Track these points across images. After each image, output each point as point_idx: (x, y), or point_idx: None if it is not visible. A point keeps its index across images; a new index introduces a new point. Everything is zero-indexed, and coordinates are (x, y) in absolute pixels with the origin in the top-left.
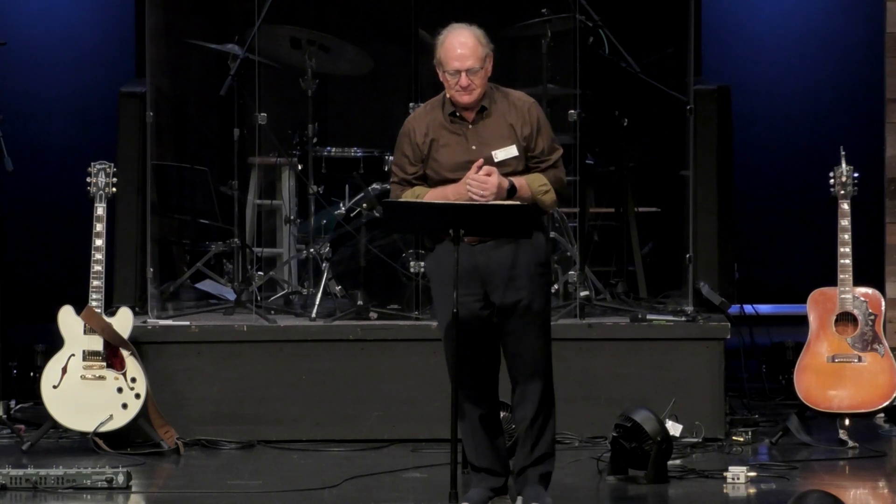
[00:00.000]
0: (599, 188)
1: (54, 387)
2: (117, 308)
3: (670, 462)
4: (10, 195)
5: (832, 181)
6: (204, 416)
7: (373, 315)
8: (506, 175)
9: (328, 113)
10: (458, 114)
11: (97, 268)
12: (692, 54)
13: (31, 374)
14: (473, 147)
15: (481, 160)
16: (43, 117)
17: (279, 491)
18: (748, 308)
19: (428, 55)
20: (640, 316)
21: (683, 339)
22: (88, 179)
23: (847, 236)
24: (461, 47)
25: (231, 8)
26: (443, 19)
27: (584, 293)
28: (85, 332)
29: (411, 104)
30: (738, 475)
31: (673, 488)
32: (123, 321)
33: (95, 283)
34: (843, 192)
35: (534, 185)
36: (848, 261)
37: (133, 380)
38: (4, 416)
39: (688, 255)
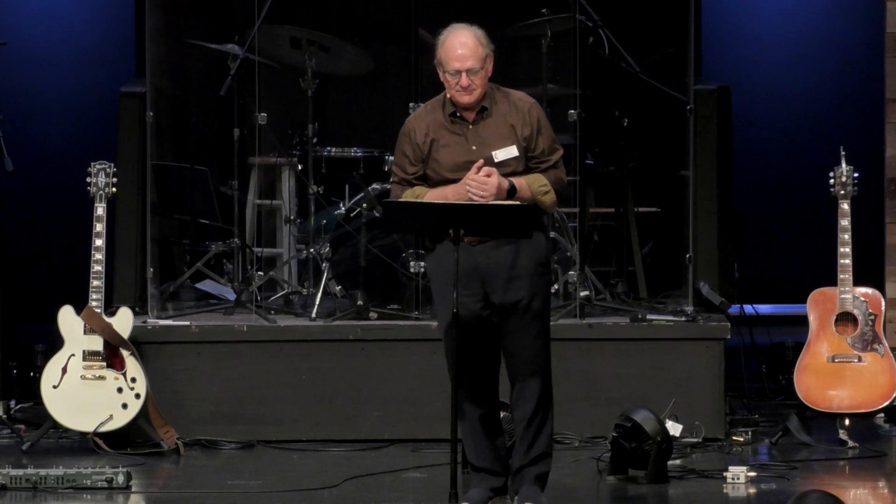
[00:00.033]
0: (599, 188)
1: (54, 387)
2: (117, 308)
3: (670, 462)
4: (10, 195)
5: (832, 181)
6: (204, 416)
7: (373, 315)
8: (506, 175)
9: (328, 113)
10: (458, 114)
11: (97, 268)
12: (692, 54)
13: (31, 374)
14: (474, 147)
15: (481, 161)
16: (43, 117)
17: (279, 491)
18: (748, 308)
19: (428, 55)
20: (640, 316)
21: (683, 339)
22: (88, 179)
23: (847, 236)
24: (462, 47)
25: (231, 8)
26: (443, 19)
27: (584, 293)
28: (85, 332)
29: (411, 104)
30: (738, 475)
31: (673, 488)
32: (123, 321)
33: (95, 283)
34: (843, 192)
35: (534, 185)
36: (848, 261)
37: (133, 380)
38: (4, 416)
39: (688, 255)
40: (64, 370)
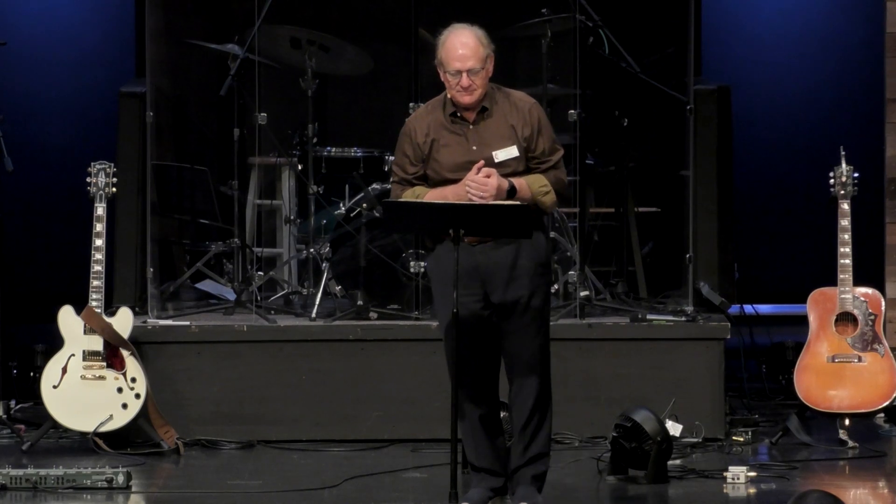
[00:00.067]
0: (599, 188)
1: (54, 387)
2: (117, 308)
3: (670, 462)
4: (10, 195)
5: (832, 181)
6: (204, 416)
7: (373, 315)
8: (506, 176)
9: (328, 113)
10: (458, 114)
11: (97, 268)
12: (692, 54)
13: (31, 374)
14: (474, 147)
15: (481, 162)
16: (43, 117)
17: (279, 491)
18: (748, 308)
19: (428, 55)
20: (640, 316)
21: (683, 339)
22: (88, 179)
23: (847, 236)
24: (462, 48)
25: (231, 8)
26: (443, 19)
27: (584, 293)
28: (85, 332)
29: (411, 104)
30: (738, 475)
31: (673, 488)
32: (123, 321)
33: (95, 283)
34: (843, 192)
35: (534, 185)
36: (848, 261)
37: (133, 380)
38: (4, 416)
39: (688, 255)
40: (64, 370)
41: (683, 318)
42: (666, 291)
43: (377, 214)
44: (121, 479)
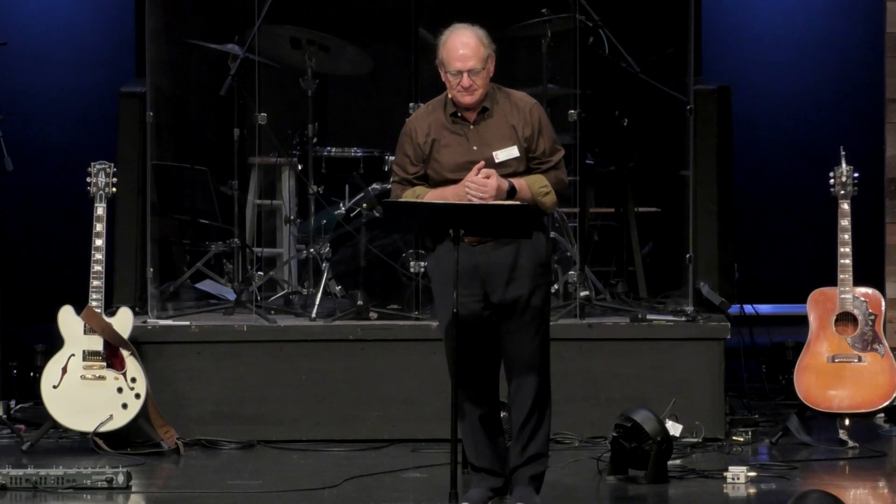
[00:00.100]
0: (599, 188)
1: (54, 387)
2: (117, 308)
3: (670, 462)
4: (10, 195)
5: (832, 181)
6: (204, 416)
7: (373, 315)
8: (506, 176)
9: (328, 113)
10: (459, 114)
11: (97, 268)
12: (692, 54)
13: (31, 374)
14: (475, 147)
15: (482, 163)
16: (43, 117)
17: (279, 491)
18: (748, 308)
19: (428, 55)
20: (640, 316)
21: (683, 339)
22: (88, 179)
23: (847, 236)
24: (463, 48)
25: (231, 8)
26: (443, 19)
27: (584, 293)
28: (85, 332)
29: (411, 104)
30: (738, 475)
31: (673, 488)
32: (123, 321)
33: (95, 283)
34: (843, 192)
35: (534, 186)
36: (848, 261)
37: (133, 380)
38: (4, 416)
39: (688, 255)
40: (64, 370)
41: (683, 318)
42: (666, 291)
43: (377, 214)
44: (121, 479)
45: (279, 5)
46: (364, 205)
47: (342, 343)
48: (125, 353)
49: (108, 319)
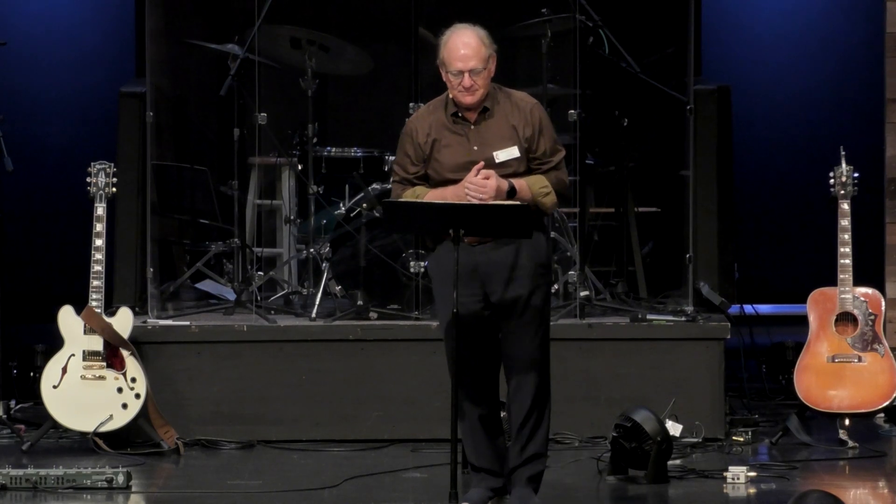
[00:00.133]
0: (599, 188)
1: (54, 387)
2: (117, 308)
3: (670, 462)
4: (10, 195)
5: (832, 181)
6: (204, 416)
7: (373, 315)
8: (507, 176)
9: (328, 113)
10: (460, 114)
11: (97, 268)
12: (692, 54)
13: (31, 374)
14: (475, 148)
15: (481, 163)
16: (43, 117)
17: (279, 491)
18: (748, 308)
19: (428, 55)
20: (640, 316)
21: (683, 339)
22: (88, 179)
23: (847, 236)
24: (464, 48)
25: (231, 8)
26: (443, 19)
27: (584, 293)
28: (85, 332)
29: (411, 104)
30: (738, 475)
31: (673, 488)
32: (123, 321)
33: (95, 283)
34: (843, 192)
35: (535, 186)
36: (848, 261)
37: (133, 380)
38: (4, 416)
39: (688, 255)
40: (64, 370)
41: (683, 318)
42: (666, 291)
43: (377, 214)
44: (121, 479)
45: (279, 5)
46: (364, 205)
47: (342, 343)
48: (125, 353)
49: (108, 319)
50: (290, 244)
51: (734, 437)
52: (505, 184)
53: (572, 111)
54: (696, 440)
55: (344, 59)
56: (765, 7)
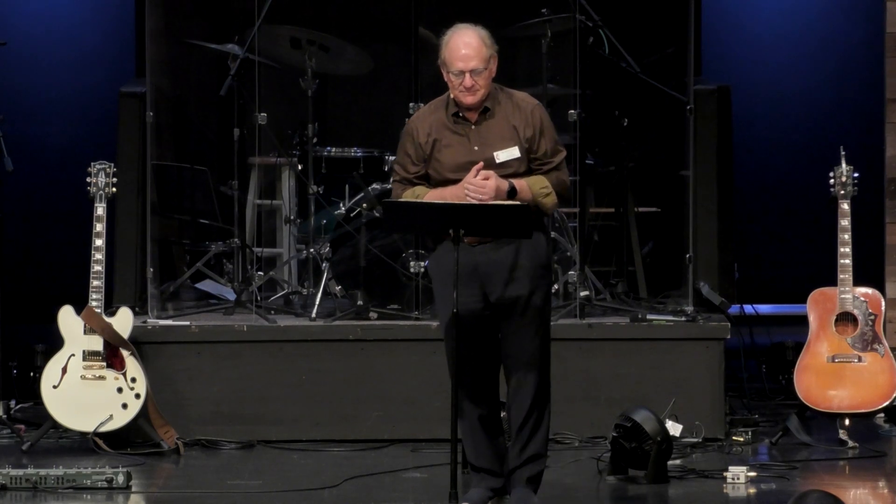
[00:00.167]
0: (599, 188)
1: (54, 387)
2: (117, 308)
3: (670, 462)
4: (10, 195)
5: (832, 181)
6: (204, 416)
7: (373, 315)
8: (507, 176)
9: (328, 113)
10: (461, 114)
11: (97, 268)
12: (692, 54)
13: (31, 374)
14: (476, 148)
15: (480, 164)
16: (43, 117)
17: (279, 491)
18: (748, 308)
19: (428, 55)
20: (640, 316)
21: (683, 339)
22: (88, 179)
23: (847, 236)
24: (465, 48)
25: (231, 8)
26: (443, 19)
27: (584, 293)
28: (85, 332)
29: (411, 104)
30: (738, 475)
31: (673, 488)
32: (123, 321)
33: (95, 283)
34: (843, 192)
35: (535, 187)
36: (848, 261)
37: (133, 380)
38: (4, 416)
39: (688, 255)
40: (64, 370)
41: (683, 318)
42: (666, 291)
43: (377, 214)
44: (121, 479)
45: (279, 5)
46: (364, 205)
47: (342, 343)
48: (125, 353)
49: (108, 319)
50: (290, 244)
51: (734, 437)
52: (505, 184)
53: (572, 111)
54: (696, 440)
55: (344, 59)
56: (765, 7)
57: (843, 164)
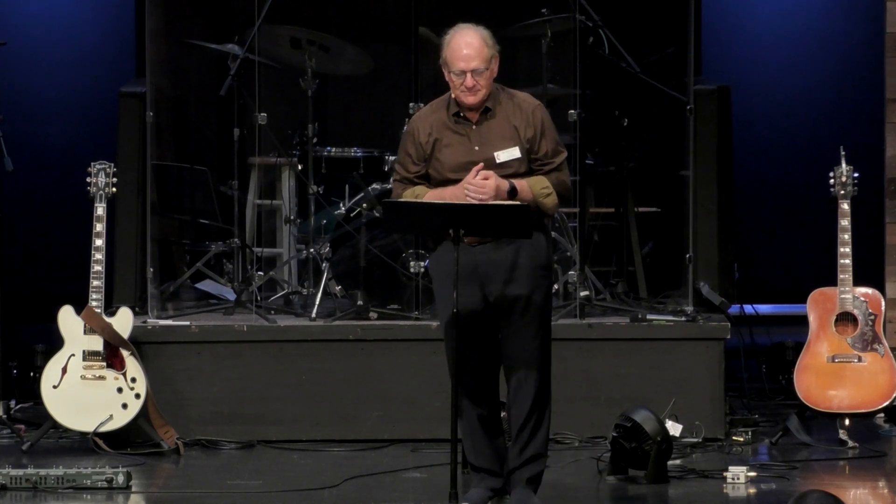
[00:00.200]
0: (599, 188)
1: (54, 387)
2: (117, 308)
3: (670, 462)
4: (10, 195)
5: (832, 181)
6: (204, 416)
7: (373, 315)
8: (508, 177)
9: (328, 113)
10: (462, 114)
11: (97, 268)
12: (692, 54)
13: (31, 374)
14: (476, 148)
15: (480, 164)
16: (43, 117)
17: (279, 491)
18: (748, 308)
19: (428, 55)
20: (640, 316)
21: (683, 339)
22: (88, 179)
23: (847, 236)
24: (467, 48)
25: (231, 8)
26: (443, 19)
27: (584, 293)
28: (85, 332)
29: (411, 104)
30: (738, 475)
31: (673, 488)
32: (123, 321)
33: (95, 283)
34: (843, 192)
35: (535, 187)
36: (848, 261)
37: (133, 380)
38: (4, 416)
39: (688, 255)
40: (64, 370)
41: (683, 318)
42: (666, 291)
43: (377, 214)
44: (121, 479)
45: (279, 5)
46: (364, 205)
47: (342, 343)
48: (125, 353)
49: (108, 319)
50: (290, 244)
51: (734, 437)
52: (505, 184)
53: (572, 111)
54: (696, 440)
55: (344, 59)
56: (765, 7)
57: (843, 164)
